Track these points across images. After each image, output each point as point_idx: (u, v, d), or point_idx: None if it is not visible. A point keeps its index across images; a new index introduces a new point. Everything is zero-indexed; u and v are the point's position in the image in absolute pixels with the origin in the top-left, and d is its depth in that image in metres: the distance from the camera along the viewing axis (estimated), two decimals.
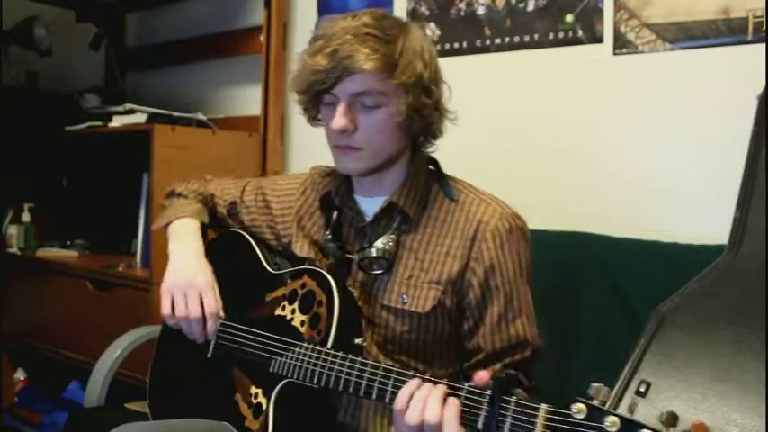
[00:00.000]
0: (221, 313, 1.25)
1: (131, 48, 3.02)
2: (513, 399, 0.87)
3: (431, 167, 1.26)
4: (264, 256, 1.33)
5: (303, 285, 1.19)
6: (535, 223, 1.76)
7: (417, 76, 1.13)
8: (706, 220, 1.61)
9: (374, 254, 1.17)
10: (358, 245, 1.22)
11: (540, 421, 0.83)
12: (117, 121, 2.35)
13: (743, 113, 1.45)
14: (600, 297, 1.63)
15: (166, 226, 1.37)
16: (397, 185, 1.21)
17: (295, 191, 1.36)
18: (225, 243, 1.40)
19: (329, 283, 1.14)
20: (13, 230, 2.60)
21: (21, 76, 2.76)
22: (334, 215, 1.26)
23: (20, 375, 2.70)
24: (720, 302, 1.29)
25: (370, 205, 1.24)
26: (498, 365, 1.16)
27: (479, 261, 1.16)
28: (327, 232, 1.25)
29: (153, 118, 2.28)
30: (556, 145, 1.91)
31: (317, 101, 1.19)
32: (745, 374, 1.19)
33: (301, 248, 1.29)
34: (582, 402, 0.80)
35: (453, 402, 0.91)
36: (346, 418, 1.18)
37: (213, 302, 1.24)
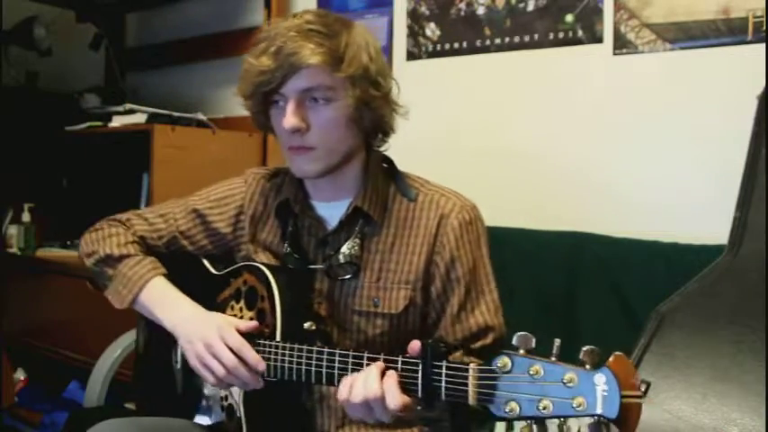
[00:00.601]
0: (253, 324, 1.12)
1: (131, 48, 3.02)
2: (444, 363, 0.90)
3: (384, 165, 1.25)
4: (208, 259, 1.31)
5: (245, 282, 1.19)
6: (534, 223, 1.78)
7: (364, 69, 1.11)
8: (706, 220, 1.61)
9: (341, 260, 1.16)
10: (321, 254, 1.20)
11: (471, 381, 0.86)
12: (117, 121, 2.35)
13: (743, 113, 1.45)
14: (600, 297, 1.63)
15: (135, 299, 1.22)
16: (354, 188, 1.20)
17: (240, 201, 1.29)
18: (171, 254, 1.33)
19: (267, 276, 1.14)
20: (13, 230, 2.59)
21: (21, 76, 2.76)
22: (290, 229, 1.22)
23: (20, 375, 2.69)
24: (720, 302, 1.29)
25: (329, 210, 1.21)
26: (459, 353, 1.16)
27: (441, 255, 1.16)
28: (286, 245, 1.21)
29: (153, 118, 2.28)
30: (556, 145, 1.91)
31: (265, 104, 1.16)
32: (745, 374, 1.19)
33: (267, 260, 1.24)
34: (506, 355, 0.83)
35: (391, 374, 0.95)
36: (324, 411, 1.19)
37: (235, 337, 1.09)
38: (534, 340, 0.83)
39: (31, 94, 2.76)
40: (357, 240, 1.17)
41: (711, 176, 1.67)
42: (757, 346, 1.20)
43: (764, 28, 1.60)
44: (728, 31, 1.65)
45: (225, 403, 1.18)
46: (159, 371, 1.33)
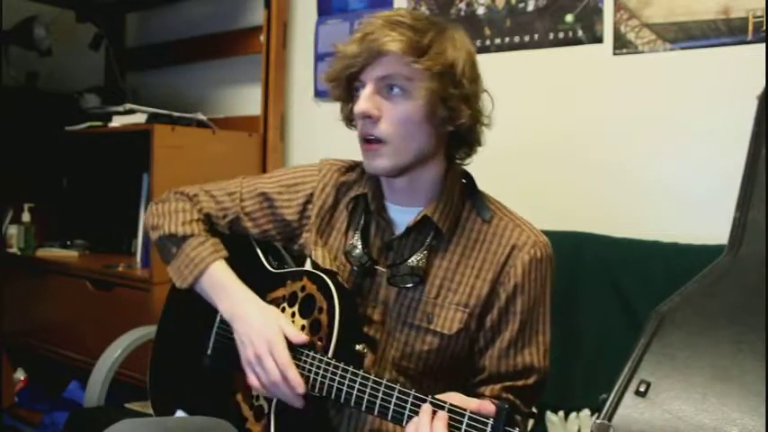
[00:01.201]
0: (304, 338, 1.12)
1: (131, 48, 3.02)
2: (516, 430, 0.88)
3: (464, 181, 1.23)
4: (263, 253, 1.30)
5: (303, 288, 1.17)
6: (535, 223, 1.77)
7: (446, 65, 1.09)
8: (706, 220, 1.61)
9: (407, 270, 1.14)
10: (384, 256, 1.19)
11: None
12: (117, 121, 2.35)
13: (743, 113, 1.45)
14: (600, 297, 1.63)
15: (195, 280, 1.23)
16: (429, 197, 1.17)
17: (311, 190, 1.28)
18: (226, 242, 1.34)
19: (330, 289, 1.12)
20: (13, 230, 2.59)
21: (21, 76, 2.76)
22: (362, 220, 1.21)
23: (20, 375, 2.69)
24: (720, 302, 1.29)
25: (401, 215, 1.19)
26: (498, 387, 1.14)
27: (505, 286, 1.14)
28: (356, 238, 1.20)
29: (153, 118, 2.28)
30: (555, 145, 1.91)
31: (350, 92, 1.15)
32: (745, 374, 1.19)
33: (322, 256, 1.22)
34: None
35: None
36: (351, 424, 1.17)
37: (283, 356, 1.09)
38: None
39: (31, 94, 2.75)
40: (425, 253, 1.15)
41: (711, 176, 1.67)
42: (757, 346, 1.20)
43: (764, 28, 1.60)
44: (728, 31, 1.65)
45: (256, 403, 1.16)
46: (180, 367, 1.33)
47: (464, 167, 1.24)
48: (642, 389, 1.24)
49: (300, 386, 1.08)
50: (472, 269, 1.15)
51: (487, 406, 0.93)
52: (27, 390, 2.67)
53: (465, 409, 0.93)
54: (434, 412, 0.95)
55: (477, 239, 1.16)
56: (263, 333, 1.11)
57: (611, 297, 1.61)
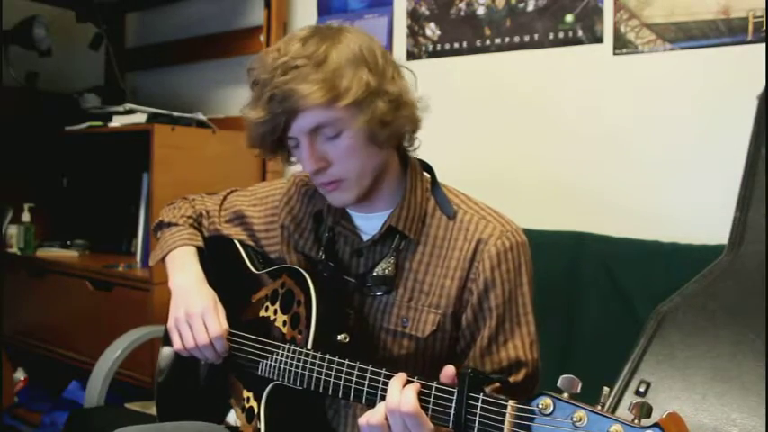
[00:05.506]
0: (226, 332, 1.20)
1: (131, 48, 3.02)
2: (480, 396, 0.87)
3: (426, 174, 1.21)
4: (248, 256, 1.31)
5: (283, 285, 1.17)
6: (535, 223, 1.78)
7: (364, 88, 1.03)
8: (706, 220, 1.61)
9: (376, 280, 1.13)
10: (354, 265, 1.18)
11: (508, 419, 0.83)
12: (117, 121, 2.35)
13: (743, 113, 1.45)
14: (600, 297, 1.63)
15: (163, 259, 1.33)
16: (392, 198, 1.16)
17: (277, 203, 1.31)
18: (211, 247, 1.38)
19: (306, 281, 1.12)
20: (13, 230, 2.59)
21: (21, 76, 2.76)
22: (326, 235, 1.21)
23: (20, 375, 2.69)
24: (720, 302, 1.29)
25: (365, 221, 1.19)
26: (488, 390, 1.14)
27: (476, 283, 1.11)
28: (321, 253, 1.20)
29: (153, 118, 2.28)
30: (555, 145, 1.91)
31: (281, 146, 1.12)
32: (745, 374, 1.19)
33: (297, 262, 1.25)
34: (548, 396, 0.80)
35: (412, 385, 0.92)
36: (349, 423, 1.17)
37: (216, 325, 1.19)
38: (580, 385, 0.79)
39: (31, 94, 2.75)
40: (392, 260, 1.14)
41: (711, 176, 1.67)
42: (757, 346, 1.21)
43: (764, 28, 1.60)
44: (728, 31, 1.65)
45: (246, 405, 1.16)
46: (183, 372, 1.33)
47: (422, 159, 1.22)
48: (642, 389, 1.24)
49: (225, 353, 1.20)
50: (441, 268, 1.13)
51: (449, 372, 0.93)
52: (27, 390, 2.67)
53: (432, 381, 0.93)
54: (405, 384, 0.94)
55: (445, 237, 1.14)
56: (201, 301, 1.21)
57: (611, 297, 1.61)
